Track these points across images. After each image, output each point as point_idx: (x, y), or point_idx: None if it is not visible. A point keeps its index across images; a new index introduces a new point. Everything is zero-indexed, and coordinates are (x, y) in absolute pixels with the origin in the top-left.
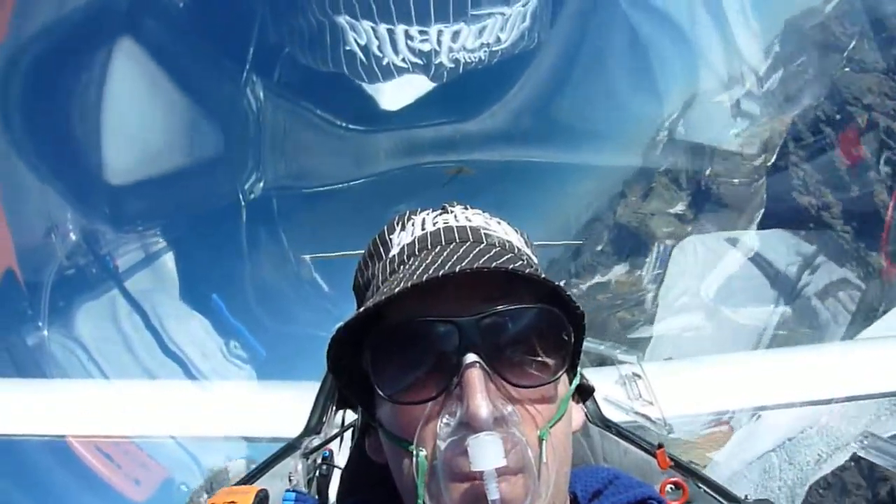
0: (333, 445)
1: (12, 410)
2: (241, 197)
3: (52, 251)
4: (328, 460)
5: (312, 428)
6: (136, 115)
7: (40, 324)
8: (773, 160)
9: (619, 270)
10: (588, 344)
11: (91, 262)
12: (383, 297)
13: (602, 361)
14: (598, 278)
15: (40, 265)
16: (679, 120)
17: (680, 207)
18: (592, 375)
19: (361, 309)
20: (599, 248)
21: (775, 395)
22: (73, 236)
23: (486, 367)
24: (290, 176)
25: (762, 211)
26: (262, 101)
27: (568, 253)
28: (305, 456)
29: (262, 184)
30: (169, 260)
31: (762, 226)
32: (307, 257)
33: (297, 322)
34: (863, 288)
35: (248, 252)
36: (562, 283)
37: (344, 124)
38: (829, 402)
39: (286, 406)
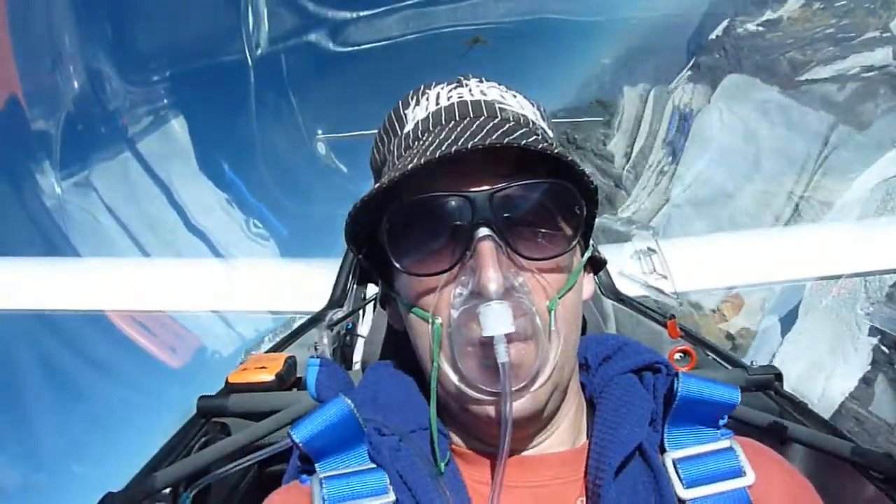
0: (355, 318)
1: (52, 287)
2: (247, 54)
3: (58, 92)
4: (351, 331)
5: (336, 302)
6: None
7: (53, 180)
8: None
9: (793, 5)
10: (603, 220)
11: (100, 116)
12: (397, 174)
13: (618, 237)
14: (768, 14)
15: (48, 109)
16: None
17: None
18: (607, 250)
19: (376, 186)
20: None
21: (786, 271)
22: (76, 83)
23: (497, 239)
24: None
25: None
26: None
27: None
28: (330, 327)
29: (266, 30)
30: (178, 124)
31: None
32: (322, 136)
33: (317, 201)
34: None
35: (258, 120)
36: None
37: (355, 14)
38: (838, 277)
39: (310, 282)
